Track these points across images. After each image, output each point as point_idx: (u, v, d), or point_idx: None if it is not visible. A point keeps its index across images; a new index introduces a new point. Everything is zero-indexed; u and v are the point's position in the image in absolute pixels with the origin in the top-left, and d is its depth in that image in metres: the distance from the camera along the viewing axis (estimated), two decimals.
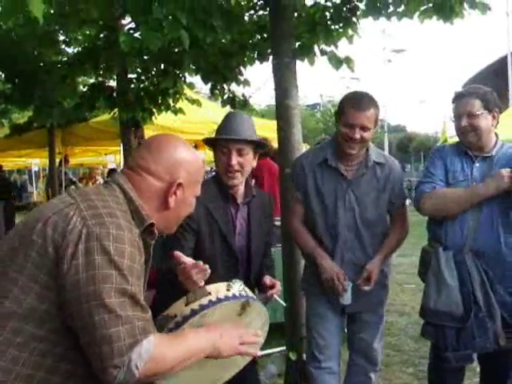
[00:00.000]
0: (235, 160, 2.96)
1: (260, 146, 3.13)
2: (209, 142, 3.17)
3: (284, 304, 3.06)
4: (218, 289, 2.11)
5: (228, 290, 2.12)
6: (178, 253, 2.41)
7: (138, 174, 2.00)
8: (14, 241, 1.84)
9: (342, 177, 3.45)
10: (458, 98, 3.47)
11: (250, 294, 2.23)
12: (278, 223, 4.96)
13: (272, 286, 3.03)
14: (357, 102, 3.32)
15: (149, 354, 1.68)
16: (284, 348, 5.00)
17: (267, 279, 3.05)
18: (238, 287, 2.16)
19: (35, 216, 1.86)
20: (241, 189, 3.11)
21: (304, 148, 5.27)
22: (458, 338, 3.21)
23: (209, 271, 2.39)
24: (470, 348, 3.22)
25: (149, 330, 1.72)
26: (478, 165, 3.40)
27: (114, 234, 1.74)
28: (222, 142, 3.02)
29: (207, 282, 2.26)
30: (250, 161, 3.04)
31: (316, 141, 7.66)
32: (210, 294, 2.07)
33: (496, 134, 3.50)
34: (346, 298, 3.37)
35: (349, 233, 3.45)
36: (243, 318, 2.16)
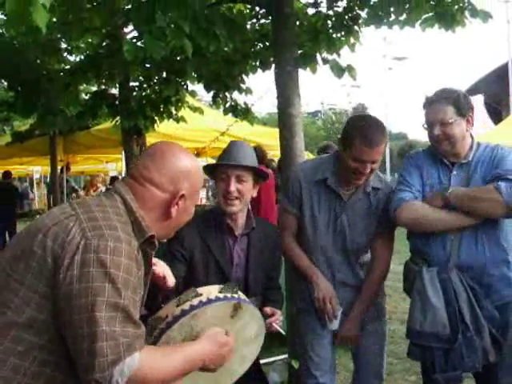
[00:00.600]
0: (234, 186, 2.94)
1: (261, 176, 3.11)
2: (209, 170, 3.13)
3: (284, 333, 3.03)
4: (211, 290, 2.13)
5: (220, 292, 2.13)
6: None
7: (140, 184, 2.01)
8: (16, 249, 1.85)
9: (338, 199, 3.36)
10: (429, 104, 3.24)
11: (243, 297, 2.24)
12: None
13: (272, 315, 2.99)
14: (369, 138, 3.10)
15: (131, 372, 1.68)
16: (286, 356, 5.00)
17: (268, 308, 3.01)
18: (231, 290, 2.17)
19: (37, 226, 1.86)
20: (241, 218, 3.07)
21: (306, 156, 5.27)
22: (447, 359, 3.06)
23: None
24: (459, 368, 3.06)
25: (134, 347, 1.70)
26: (455, 173, 3.22)
27: (111, 246, 1.75)
28: (221, 168, 3.01)
29: None
30: (249, 189, 3.01)
31: (318, 147, 7.64)
32: (201, 295, 2.09)
33: (471, 136, 3.29)
34: (334, 324, 3.35)
35: (337, 255, 3.41)
36: (236, 321, 2.17)
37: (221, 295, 2.12)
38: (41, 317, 1.74)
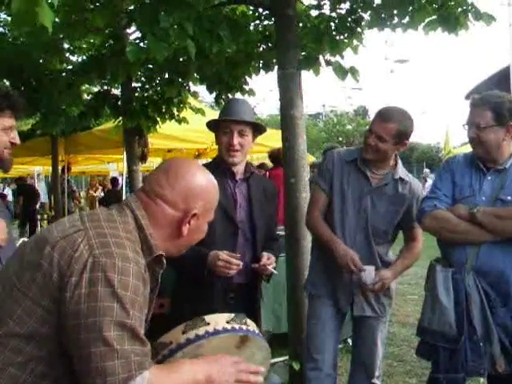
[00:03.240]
0: (236, 140, 3.18)
1: (259, 129, 3.34)
2: (213, 125, 3.38)
3: (276, 272, 3.18)
4: (218, 320, 2.07)
5: (228, 322, 2.07)
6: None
7: (152, 201, 1.97)
8: (23, 259, 1.83)
9: (366, 182, 3.54)
10: (472, 105, 3.20)
11: (252, 328, 2.18)
12: (281, 233, 4.96)
13: (268, 259, 3.16)
14: (383, 112, 3.46)
15: None
16: (287, 357, 5.00)
17: (264, 253, 3.19)
18: (239, 320, 2.11)
19: (46, 237, 1.83)
20: (241, 166, 3.30)
21: (308, 158, 5.27)
22: (451, 360, 3.05)
23: (240, 267, 2.99)
24: (461, 371, 3.04)
25: (144, 365, 1.69)
26: (489, 178, 3.17)
27: (119, 265, 1.72)
28: (224, 123, 3.24)
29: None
30: (249, 142, 3.26)
31: (324, 147, 7.70)
32: (208, 324, 2.04)
33: None
34: (369, 279, 3.42)
35: (359, 235, 3.54)
36: (242, 351, 2.12)
37: (228, 326, 2.05)
38: (42, 330, 1.72)
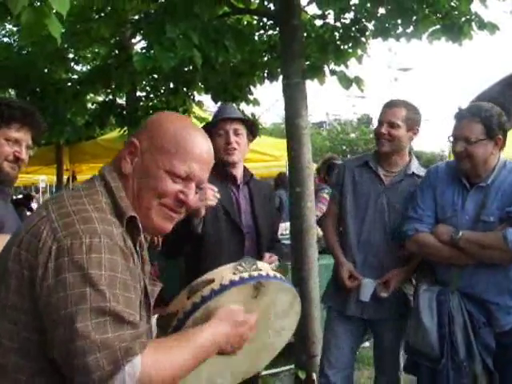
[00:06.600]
0: (233, 138, 3.20)
1: (252, 132, 3.36)
2: (207, 129, 3.16)
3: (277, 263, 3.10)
4: (223, 274, 1.80)
5: (234, 273, 1.80)
6: None
7: (122, 158, 1.79)
8: None
9: (379, 180, 3.52)
10: (459, 117, 3.07)
11: (265, 271, 1.88)
12: (286, 242, 4.96)
13: (270, 262, 3.06)
14: (389, 102, 3.54)
15: (135, 379, 1.46)
16: (292, 366, 4.98)
17: (267, 254, 3.20)
18: (246, 268, 1.83)
19: (12, 238, 1.67)
20: (240, 169, 3.31)
21: (313, 167, 5.27)
22: (434, 378, 3.04)
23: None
24: None
25: (134, 350, 1.47)
26: (472, 195, 3.07)
27: (87, 243, 1.50)
28: (218, 126, 3.24)
29: (215, 264, 1.92)
30: (244, 143, 3.29)
31: (325, 157, 7.64)
32: (213, 281, 1.78)
33: (499, 158, 3.08)
34: (365, 295, 3.39)
35: (374, 235, 3.47)
36: (260, 299, 1.85)
37: (235, 277, 1.78)
38: (33, 337, 1.54)
